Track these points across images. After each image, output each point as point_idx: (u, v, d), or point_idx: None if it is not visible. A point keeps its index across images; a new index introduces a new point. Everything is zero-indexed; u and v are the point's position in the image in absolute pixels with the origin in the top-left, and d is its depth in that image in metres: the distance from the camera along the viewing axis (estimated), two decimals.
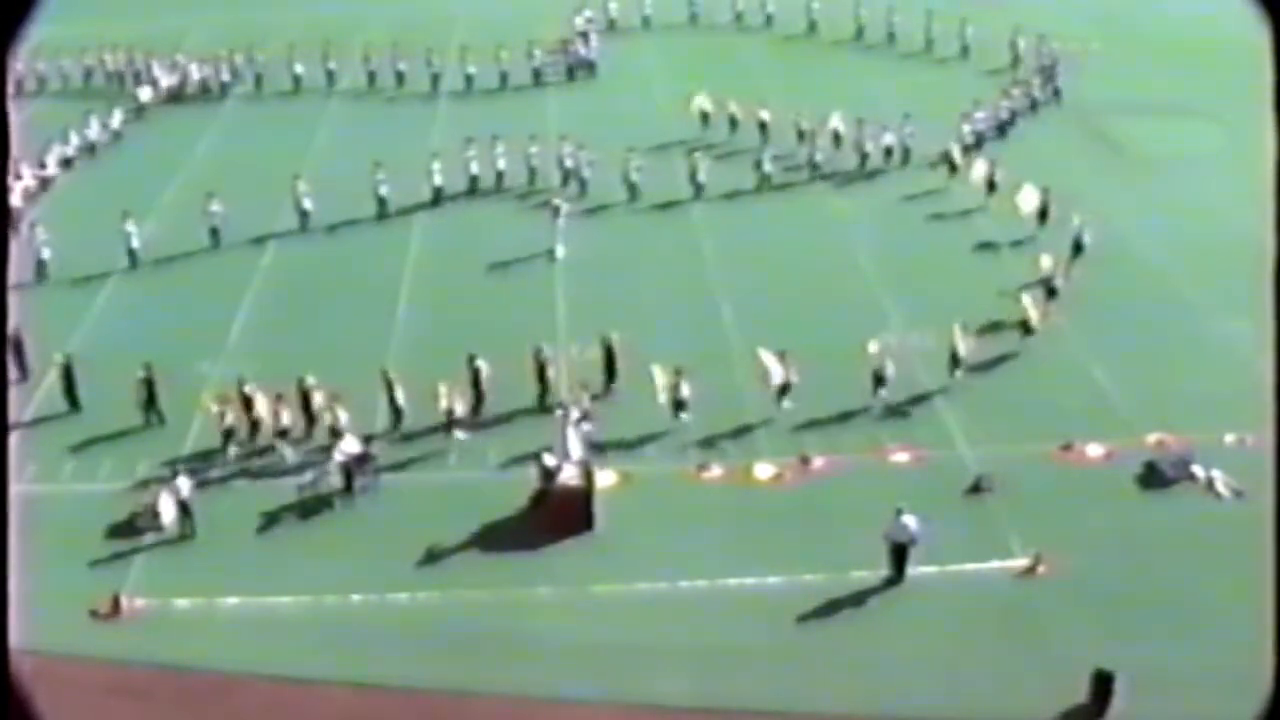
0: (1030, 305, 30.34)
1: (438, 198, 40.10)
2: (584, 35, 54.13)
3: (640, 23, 58.03)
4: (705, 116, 44.69)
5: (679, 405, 27.39)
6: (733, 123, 43.94)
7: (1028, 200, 36.28)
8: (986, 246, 36.12)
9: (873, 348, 28.12)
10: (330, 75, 51.43)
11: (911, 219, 38.29)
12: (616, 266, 35.64)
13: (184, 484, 24.92)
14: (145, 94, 50.52)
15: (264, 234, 38.39)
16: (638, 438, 27.25)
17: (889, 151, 41.58)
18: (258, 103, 50.93)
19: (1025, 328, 30.23)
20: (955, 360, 28.85)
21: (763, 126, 42.91)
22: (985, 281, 33.20)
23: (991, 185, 38.12)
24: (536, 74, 51.34)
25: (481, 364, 28.21)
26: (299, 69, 51.36)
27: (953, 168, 39.86)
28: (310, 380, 27.62)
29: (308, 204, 38.72)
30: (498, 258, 36.16)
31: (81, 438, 27.84)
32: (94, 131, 46.39)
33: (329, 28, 54.75)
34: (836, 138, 42.10)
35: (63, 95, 50.89)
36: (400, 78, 51.06)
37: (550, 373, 28.48)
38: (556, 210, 37.29)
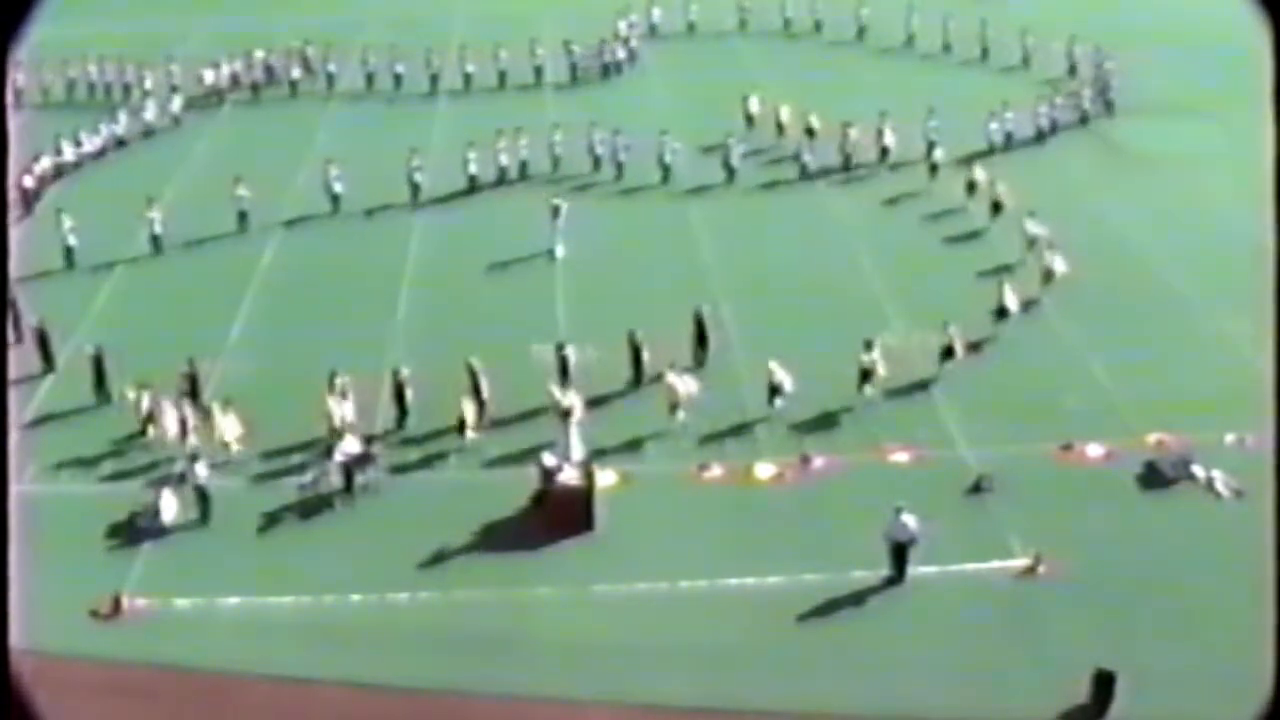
0: (956, 333, 29.21)
1: (473, 186, 40.85)
2: (625, 40, 53.71)
3: (685, 28, 57.05)
4: (750, 119, 44.46)
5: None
6: (779, 127, 43.52)
7: (1007, 196, 36.24)
8: (978, 253, 36.03)
9: (774, 366, 27.72)
10: (330, 78, 51.49)
11: (918, 222, 38.12)
12: (617, 267, 35.63)
13: (202, 470, 25.10)
14: (209, 76, 50.56)
15: (291, 218, 39.23)
16: (639, 437, 27.30)
17: (933, 167, 40.36)
18: (298, 97, 51.17)
19: (948, 351, 29.20)
20: (865, 376, 28.07)
21: (810, 132, 42.39)
22: (966, 293, 32.85)
23: (972, 187, 37.86)
24: (538, 72, 51.32)
25: (569, 351, 28.52)
26: (332, 67, 51.80)
27: (971, 186, 38.57)
28: (405, 371, 27.74)
29: (338, 188, 39.39)
30: (510, 250, 36.44)
31: (83, 436, 27.82)
32: (151, 114, 47.30)
33: (328, 29, 54.76)
34: (884, 151, 41.53)
35: (44, 108, 48.92)
36: (397, 80, 51.01)
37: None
38: (556, 210, 37.30)
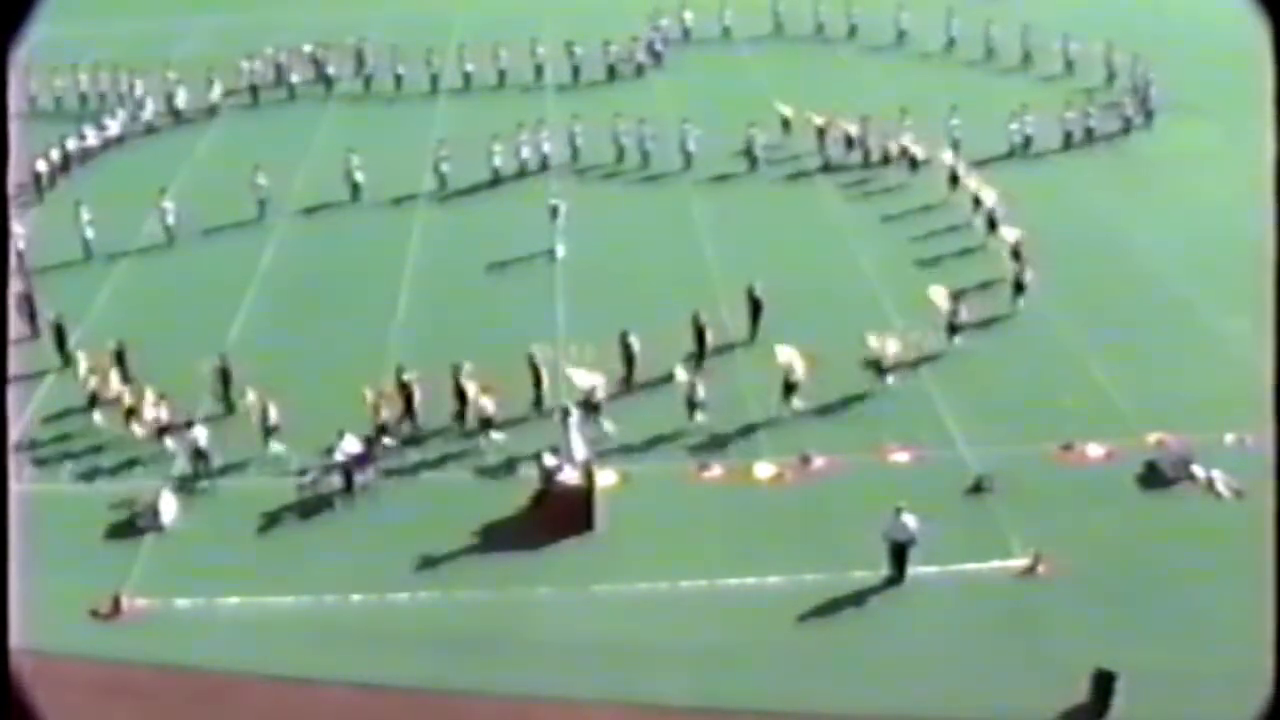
0: (883, 343, 28.78)
1: (497, 177, 41.40)
2: (649, 43, 52.97)
3: (720, 33, 55.56)
4: (787, 123, 43.81)
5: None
6: (820, 133, 42.53)
7: (1009, 235, 34.40)
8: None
9: (680, 374, 27.93)
10: (329, 81, 51.28)
11: (926, 231, 37.44)
12: (617, 266, 35.61)
13: (201, 432, 25.75)
14: (247, 66, 50.41)
15: (314, 205, 40.09)
16: (641, 438, 27.31)
17: (954, 178, 38.93)
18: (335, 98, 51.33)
19: (877, 367, 28.78)
20: (789, 389, 27.76)
21: (850, 141, 41.91)
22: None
23: (978, 202, 37.00)
24: (539, 70, 51.23)
25: (633, 340, 28.94)
26: (331, 69, 51.76)
27: (977, 201, 37.14)
28: (466, 367, 27.91)
29: (359, 176, 40.18)
30: (518, 246, 36.68)
31: (82, 435, 27.87)
32: (182, 101, 47.91)
33: (330, 28, 54.72)
34: (913, 163, 40.59)
35: (30, 118, 45.88)
36: (398, 80, 50.92)
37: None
38: (555, 210, 37.30)
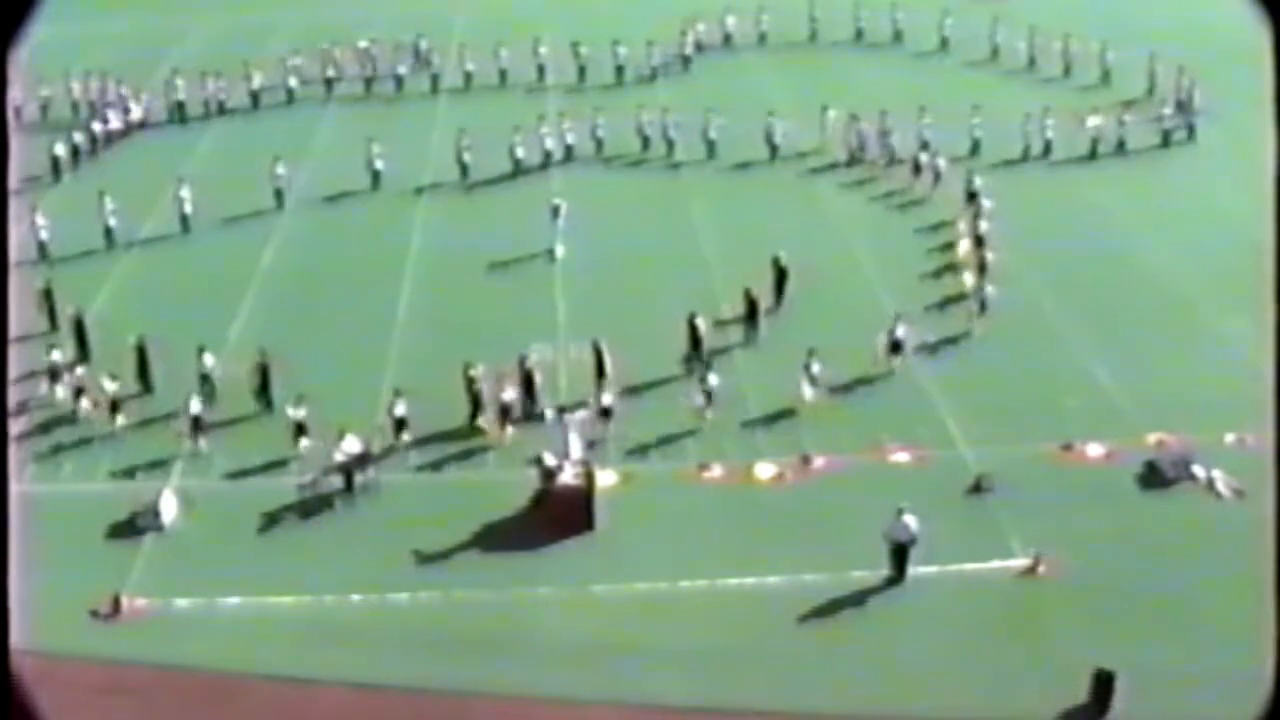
0: (806, 387, 27.99)
1: (518, 169, 42.03)
2: (680, 49, 52.42)
3: (756, 39, 54.53)
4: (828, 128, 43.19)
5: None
6: (859, 143, 42.01)
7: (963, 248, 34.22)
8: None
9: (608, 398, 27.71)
10: (329, 82, 50.93)
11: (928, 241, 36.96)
12: (616, 265, 35.61)
13: (195, 404, 26.86)
14: (291, 61, 50.54)
15: (335, 193, 40.79)
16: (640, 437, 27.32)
17: (971, 195, 37.45)
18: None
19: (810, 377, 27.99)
20: (708, 397, 27.56)
21: (892, 157, 41.33)
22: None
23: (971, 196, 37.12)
24: (541, 69, 51.10)
25: (700, 322, 29.53)
26: (331, 71, 51.24)
27: (973, 208, 36.72)
28: (534, 358, 28.16)
29: (379, 165, 40.92)
30: (523, 242, 36.77)
31: (82, 435, 27.86)
32: (207, 92, 48.44)
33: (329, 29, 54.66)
34: (936, 175, 39.54)
35: (15, 130, 43.51)
36: (398, 81, 50.90)
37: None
38: (556, 210, 37.29)
